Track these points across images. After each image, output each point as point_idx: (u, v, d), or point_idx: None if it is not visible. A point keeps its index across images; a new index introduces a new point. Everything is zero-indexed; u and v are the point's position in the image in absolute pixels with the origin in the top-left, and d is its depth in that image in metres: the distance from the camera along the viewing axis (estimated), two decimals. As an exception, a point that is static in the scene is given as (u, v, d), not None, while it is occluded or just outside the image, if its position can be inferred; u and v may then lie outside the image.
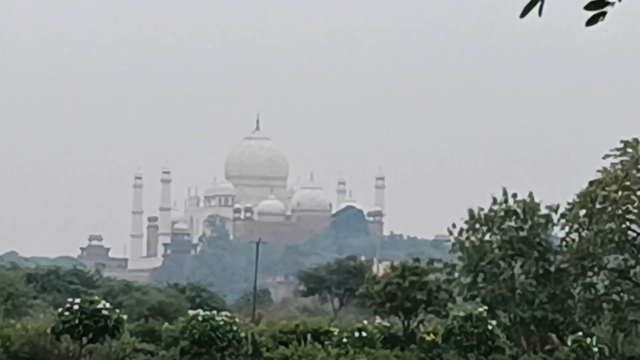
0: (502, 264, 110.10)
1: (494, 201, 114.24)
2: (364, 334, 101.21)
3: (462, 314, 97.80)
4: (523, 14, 7.47)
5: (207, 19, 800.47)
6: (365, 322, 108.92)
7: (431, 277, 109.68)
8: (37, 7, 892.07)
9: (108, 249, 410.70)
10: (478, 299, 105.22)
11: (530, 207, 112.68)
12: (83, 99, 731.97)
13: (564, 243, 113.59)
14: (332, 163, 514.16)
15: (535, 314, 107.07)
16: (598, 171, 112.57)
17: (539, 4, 7.55)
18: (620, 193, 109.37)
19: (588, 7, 7.28)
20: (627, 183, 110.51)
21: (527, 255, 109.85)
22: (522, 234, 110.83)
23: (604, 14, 7.39)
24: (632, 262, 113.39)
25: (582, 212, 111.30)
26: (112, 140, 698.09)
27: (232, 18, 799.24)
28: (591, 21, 7.38)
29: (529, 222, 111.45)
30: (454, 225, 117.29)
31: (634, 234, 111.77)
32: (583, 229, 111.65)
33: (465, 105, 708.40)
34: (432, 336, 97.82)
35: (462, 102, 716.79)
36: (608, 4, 7.31)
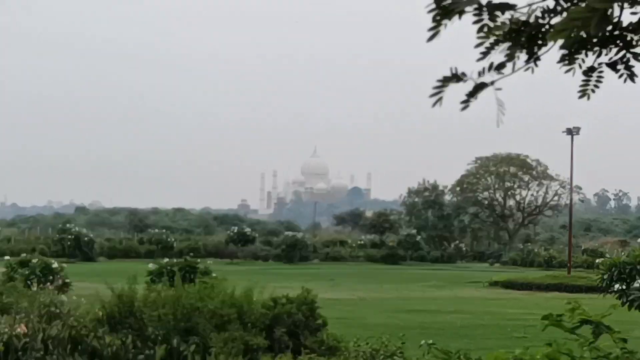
0: (423, 211, 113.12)
1: (419, 185, 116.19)
2: (363, 242, 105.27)
3: (405, 233, 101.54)
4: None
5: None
6: (363, 237, 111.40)
7: (392, 217, 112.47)
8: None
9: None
10: (412, 227, 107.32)
11: (434, 186, 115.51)
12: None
13: (450, 202, 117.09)
14: (347, 167, 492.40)
15: (437, 232, 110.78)
16: (465, 170, 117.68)
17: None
18: (474, 180, 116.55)
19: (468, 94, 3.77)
20: (477, 176, 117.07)
21: (433, 207, 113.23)
22: (431, 198, 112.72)
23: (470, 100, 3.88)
24: (480, 211, 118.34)
25: (458, 188, 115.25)
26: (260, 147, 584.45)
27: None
28: (464, 108, 3.77)
29: (435, 193, 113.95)
30: (402, 195, 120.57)
31: (478, 198, 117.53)
32: (458, 196, 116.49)
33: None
34: (392, 243, 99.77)
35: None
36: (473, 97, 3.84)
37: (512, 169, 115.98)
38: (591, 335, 6.90)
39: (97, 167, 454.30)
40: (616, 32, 3.17)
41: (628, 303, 20.43)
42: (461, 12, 3.23)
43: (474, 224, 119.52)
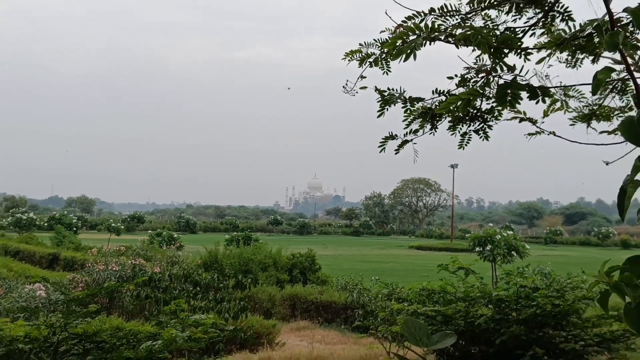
0: (373, 208, 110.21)
1: (371, 194, 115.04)
2: (340, 224, 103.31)
3: (363, 219, 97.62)
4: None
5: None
6: (341, 222, 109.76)
7: (357, 211, 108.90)
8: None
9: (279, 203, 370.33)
10: (367, 216, 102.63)
11: (379, 195, 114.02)
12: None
13: (388, 203, 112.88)
14: (332, 184, 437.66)
15: (380, 220, 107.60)
16: (396, 186, 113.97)
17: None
18: (400, 192, 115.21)
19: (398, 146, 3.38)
20: (402, 190, 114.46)
21: (379, 206, 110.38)
22: (378, 201, 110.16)
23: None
24: (403, 208, 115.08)
25: (392, 196, 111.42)
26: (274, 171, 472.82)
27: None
28: (396, 153, 3.34)
29: (380, 198, 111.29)
30: (362, 199, 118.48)
31: (403, 201, 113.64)
32: (392, 200, 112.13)
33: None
34: (356, 225, 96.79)
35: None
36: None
37: (421, 186, 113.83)
38: (464, 275, 6.87)
39: (199, 181, 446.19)
40: (478, 114, 3.19)
41: (483, 258, 20.48)
42: (395, 102, 3.25)
43: (401, 215, 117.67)
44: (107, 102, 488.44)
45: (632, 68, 1.21)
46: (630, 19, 1.25)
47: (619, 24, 1.21)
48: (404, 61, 2.70)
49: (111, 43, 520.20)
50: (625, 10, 1.26)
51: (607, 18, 1.41)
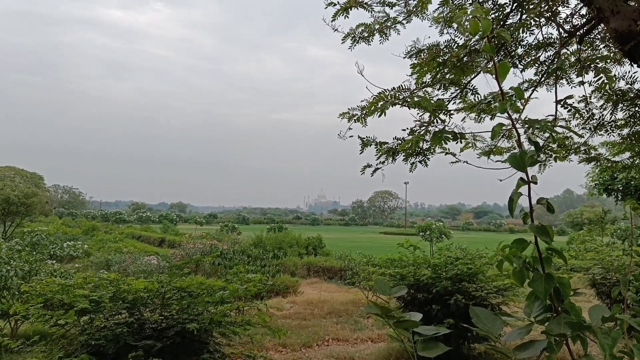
0: (357, 209, 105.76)
1: (356, 200, 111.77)
2: (338, 219, 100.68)
3: (351, 216, 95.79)
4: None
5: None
6: (339, 217, 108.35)
7: (347, 211, 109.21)
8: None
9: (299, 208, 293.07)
10: (354, 214, 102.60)
11: (360, 201, 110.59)
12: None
13: (366, 206, 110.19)
14: (332, 194, 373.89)
15: (361, 215, 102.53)
16: (371, 195, 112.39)
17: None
18: (374, 199, 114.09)
19: (372, 171, 3.05)
20: (373, 199, 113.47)
21: (361, 207, 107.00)
22: (360, 205, 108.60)
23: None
24: (376, 209, 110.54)
25: (368, 201, 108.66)
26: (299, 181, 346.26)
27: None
28: (372, 175, 3.03)
29: (361, 204, 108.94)
30: (351, 203, 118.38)
31: (376, 204, 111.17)
32: (370, 204, 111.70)
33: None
34: (348, 219, 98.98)
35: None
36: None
37: (386, 195, 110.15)
38: (413, 250, 6.78)
39: (252, 191, 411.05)
40: (421, 151, 3.18)
41: (425, 239, 20.26)
42: (370, 145, 3.25)
43: (374, 213, 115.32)
44: (201, 143, 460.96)
45: (515, 123, 1.24)
46: (513, 93, 1.30)
47: (507, 95, 1.25)
48: (378, 117, 2.82)
49: (201, 109, 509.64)
50: (510, 88, 1.31)
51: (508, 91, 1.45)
